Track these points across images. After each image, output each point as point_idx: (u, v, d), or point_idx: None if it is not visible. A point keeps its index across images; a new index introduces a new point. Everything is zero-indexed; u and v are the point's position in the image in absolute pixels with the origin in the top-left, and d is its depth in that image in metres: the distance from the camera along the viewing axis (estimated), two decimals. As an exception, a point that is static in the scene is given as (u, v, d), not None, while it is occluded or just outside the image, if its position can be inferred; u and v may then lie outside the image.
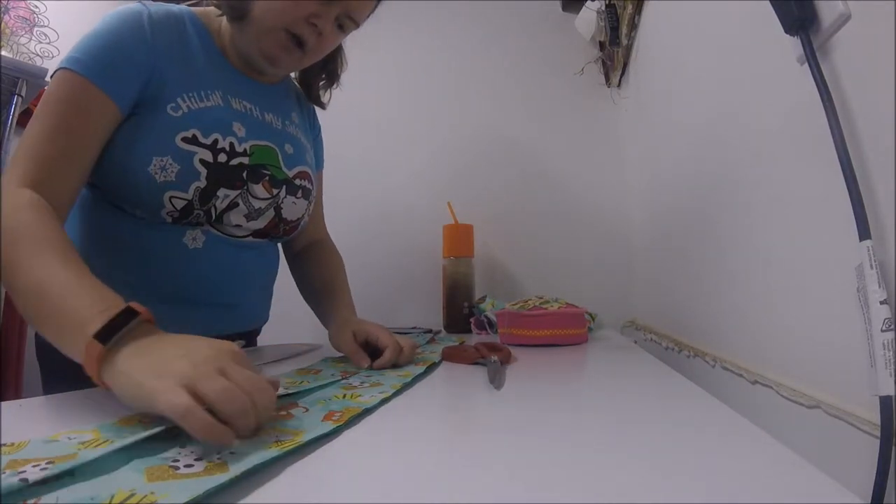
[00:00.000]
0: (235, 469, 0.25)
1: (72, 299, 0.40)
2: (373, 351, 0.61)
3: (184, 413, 0.28)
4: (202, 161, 0.58)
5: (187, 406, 0.29)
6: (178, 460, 0.26)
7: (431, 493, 0.24)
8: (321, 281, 0.79)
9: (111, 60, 0.55)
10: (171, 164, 0.56)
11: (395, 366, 0.59)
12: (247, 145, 0.63)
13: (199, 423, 0.28)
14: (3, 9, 1.32)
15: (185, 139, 0.57)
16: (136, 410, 0.34)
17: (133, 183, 0.56)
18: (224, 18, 0.65)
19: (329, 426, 0.34)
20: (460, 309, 1.14)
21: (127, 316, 0.37)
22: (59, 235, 0.46)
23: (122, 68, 0.55)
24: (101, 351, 0.35)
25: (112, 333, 0.36)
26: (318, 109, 0.85)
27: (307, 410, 0.38)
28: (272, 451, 0.28)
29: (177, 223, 0.59)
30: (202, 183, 0.58)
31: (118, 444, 0.28)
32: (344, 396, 0.43)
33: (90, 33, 0.56)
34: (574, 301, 0.88)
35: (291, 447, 0.29)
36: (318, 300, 0.77)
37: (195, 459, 0.27)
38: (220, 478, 0.24)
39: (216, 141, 0.59)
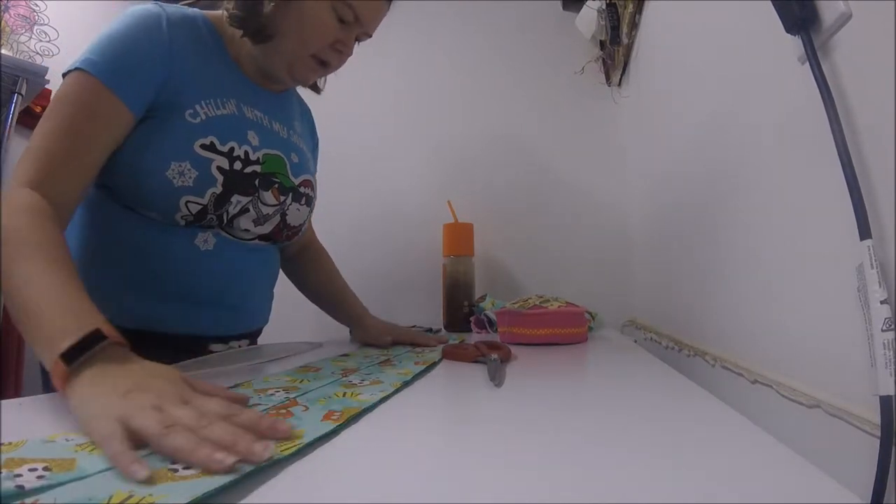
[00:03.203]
0: (234, 472, 0.25)
1: (49, 310, 0.39)
2: None
3: (105, 441, 0.28)
4: (219, 168, 0.59)
5: (104, 436, 0.28)
6: (176, 462, 0.26)
7: (432, 491, 0.24)
8: (331, 286, 0.90)
9: (126, 64, 0.54)
10: (189, 170, 0.56)
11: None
12: (260, 154, 0.64)
13: (110, 451, 0.27)
14: (3, 7, 1.32)
15: (203, 146, 0.58)
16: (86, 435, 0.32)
17: (148, 186, 0.56)
18: (242, 37, 0.64)
19: (329, 426, 0.34)
20: (460, 308, 1.14)
21: (94, 339, 0.37)
22: (53, 240, 0.46)
23: (138, 72, 0.55)
24: (65, 370, 0.35)
25: (78, 355, 0.35)
26: (313, 111, 0.86)
27: (307, 409, 0.38)
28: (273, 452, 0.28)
29: (189, 226, 0.60)
30: (218, 189, 0.59)
31: None
32: (344, 395, 0.43)
33: (107, 33, 0.55)
34: (574, 300, 0.88)
35: (292, 450, 0.29)
36: (330, 303, 0.90)
37: None
38: (219, 479, 0.24)
39: (232, 149, 0.61)
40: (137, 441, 0.28)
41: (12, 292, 0.41)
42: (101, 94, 0.53)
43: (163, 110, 0.57)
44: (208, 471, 0.25)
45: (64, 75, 0.54)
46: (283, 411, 0.37)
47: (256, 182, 0.64)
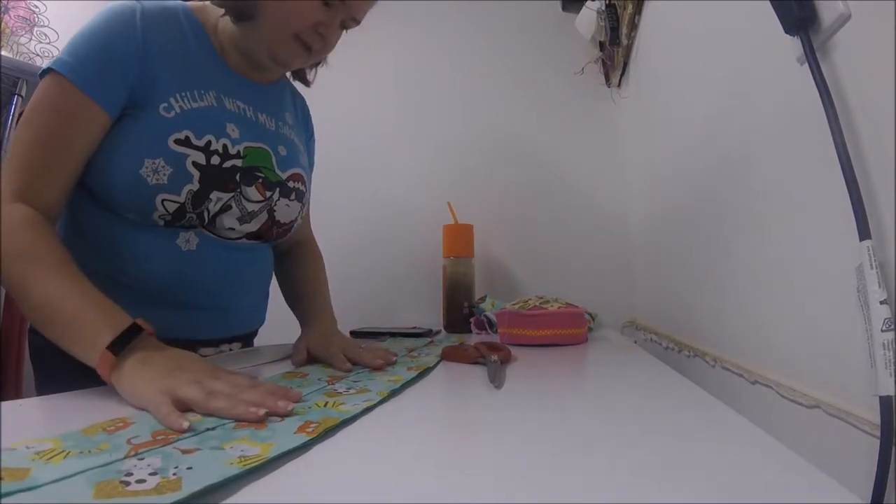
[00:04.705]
0: (188, 488, 0.24)
1: (83, 314, 0.46)
2: None
3: (156, 407, 0.37)
4: (195, 163, 0.57)
5: (157, 403, 0.37)
6: (131, 473, 0.25)
7: (431, 492, 0.24)
8: (302, 284, 0.81)
9: (100, 65, 0.54)
10: (163, 167, 0.55)
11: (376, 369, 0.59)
12: (240, 147, 0.62)
13: (160, 413, 0.36)
14: (3, 8, 1.33)
15: (177, 141, 0.56)
16: (135, 406, 0.40)
17: (123, 185, 0.55)
18: (223, 16, 0.63)
19: (301, 439, 0.32)
20: (460, 309, 1.14)
21: (133, 331, 0.44)
22: (61, 252, 0.50)
23: (112, 72, 0.54)
24: (112, 360, 0.42)
25: (123, 345, 0.43)
26: (312, 113, 0.85)
27: (282, 420, 0.37)
28: (233, 468, 0.26)
29: (169, 226, 0.58)
30: (195, 186, 0.57)
31: (73, 458, 0.27)
32: (326, 405, 0.41)
33: (80, 33, 0.55)
34: (574, 301, 0.88)
35: (254, 464, 0.27)
36: (297, 303, 0.79)
37: (149, 474, 0.25)
38: (170, 497, 0.23)
39: (209, 143, 0.58)
40: (182, 408, 0.37)
41: (39, 304, 0.47)
42: (75, 97, 0.52)
43: (137, 107, 0.56)
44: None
45: (41, 75, 0.54)
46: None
47: (237, 177, 0.61)
